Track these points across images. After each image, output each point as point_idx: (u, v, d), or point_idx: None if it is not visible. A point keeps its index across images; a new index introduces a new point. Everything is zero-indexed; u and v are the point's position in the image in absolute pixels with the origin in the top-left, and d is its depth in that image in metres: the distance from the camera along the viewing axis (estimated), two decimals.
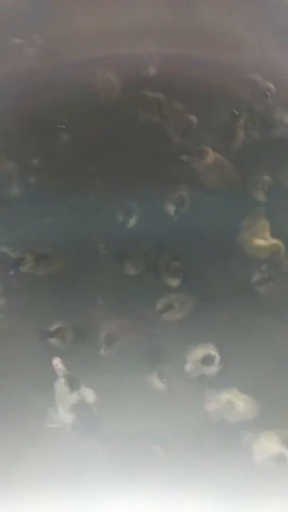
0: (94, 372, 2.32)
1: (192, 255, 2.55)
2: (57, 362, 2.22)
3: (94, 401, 2.26)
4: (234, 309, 2.56)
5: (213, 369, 2.36)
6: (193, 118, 2.51)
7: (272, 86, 2.67)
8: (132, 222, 2.46)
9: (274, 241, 2.45)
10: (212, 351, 2.35)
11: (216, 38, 2.82)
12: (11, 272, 2.42)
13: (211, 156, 2.51)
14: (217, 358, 2.34)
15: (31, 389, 2.36)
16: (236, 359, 2.43)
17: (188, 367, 2.34)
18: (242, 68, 2.76)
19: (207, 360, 2.32)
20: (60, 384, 2.25)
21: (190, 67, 2.66)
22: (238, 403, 2.36)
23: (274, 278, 2.52)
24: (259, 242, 2.48)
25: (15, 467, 2.33)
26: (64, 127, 2.51)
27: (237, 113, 2.59)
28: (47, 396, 2.35)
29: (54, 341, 2.34)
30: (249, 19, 2.98)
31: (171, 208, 2.49)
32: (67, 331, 2.36)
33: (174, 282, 2.51)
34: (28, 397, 2.40)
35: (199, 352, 2.35)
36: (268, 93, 2.64)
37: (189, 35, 2.73)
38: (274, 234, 2.55)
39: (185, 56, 2.67)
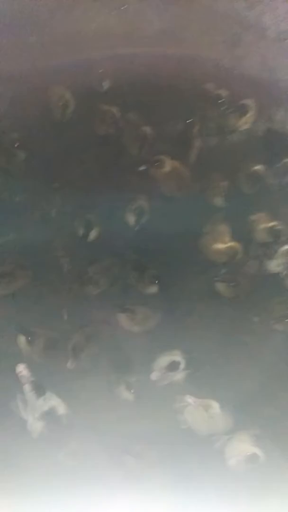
0: (62, 383, 2.32)
1: (155, 264, 2.58)
2: (21, 369, 2.23)
3: (63, 412, 2.27)
4: (200, 314, 2.60)
5: (179, 376, 2.38)
6: (148, 129, 2.55)
7: (224, 93, 2.73)
8: (92, 235, 2.48)
9: (231, 243, 2.49)
10: (177, 357, 2.36)
11: (168, 49, 2.89)
12: None
13: (169, 165, 2.55)
14: (182, 364, 2.35)
15: None
16: (203, 364, 2.47)
17: (154, 375, 2.35)
18: (196, 77, 2.84)
19: (172, 366, 2.34)
20: (26, 391, 2.26)
21: (143, 78, 2.71)
22: (208, 407, 2.41)
23: (236, 280, 2.56)
24: (219, 246, 2.52)
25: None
26: (17, 144, 2.53)
27: (191, 121, 2.63)
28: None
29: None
30: (201, 28, 3.08)
31: (131, 219, 2.51)
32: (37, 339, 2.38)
33: (151, 289, 2.55)
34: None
35: (165, 359, 2.37)
36: (221, 100, 2.69)
37: (141, 48, 2.80)
38: (234, 238, 2.60)
39: (138, 68, 2.72)
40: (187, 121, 2.60)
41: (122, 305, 2.43)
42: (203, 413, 2.38)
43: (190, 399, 2.35)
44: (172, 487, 2.30)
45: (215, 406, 2.36)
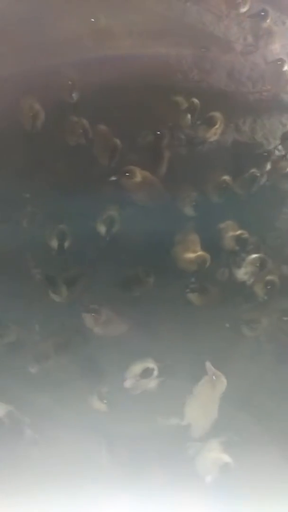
0: (28, 392, 2.33)
1: (128, 273, 2.60)
2: None
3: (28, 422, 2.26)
4: (172, 322, 2.64)
5: (152, 383, 2.40)
6: (117, 141, 2.58)
7: (193, 106, 2.79)
8: (65, 245, 2.48)
9: (201, 252, 2.54)
10: (151, 365, 2.38)
11: (139, 62, 2.94)
12: None
13: (139, 175, 2.58)
14: (156, 371, 2.37)
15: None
16: (176, 371, 2.50)
17: (128, 383, 2.36)
18: (165, 89, 2.89)
19: (145, 373, 2.36)
20: None
21: (113, 91, 2.75)
22: (182, 412, 2.44)
23: (207, 289, 2.60)
24: (190, 255, 2.56)
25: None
26: None
27: (160, 133, 2.68)
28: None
29: None
30: (171, 41, 3.15)
31: (102, 228, 2.53)
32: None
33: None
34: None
35: (138, 367, 2.38)
36: (190, 112, 2.75)
37: (111, 60, 2.84)
38: (204, 247, 2.65)
39: (107, 80, 2.76)
40: (157, 133, 2.65)
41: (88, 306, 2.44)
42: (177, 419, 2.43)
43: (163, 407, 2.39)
44: (144, 495, 2.32)
45: (189, 410, 2.41)
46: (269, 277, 2.60)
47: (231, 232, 2.64)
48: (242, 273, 2.63)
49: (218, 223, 2.71)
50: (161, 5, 3.11)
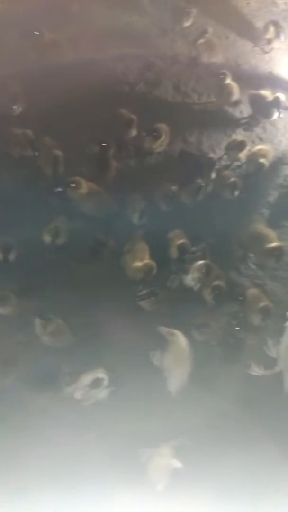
0: None
1: (76, 283, 2.62)
2: None
3: None
4: (123, 330, 2.66)
5: (103, 393, 2.40)
6: (59, 152, 2.60)
7: (139, 117, 2.86)
8: (10, 257, 2.46)
9: (147, 261, 2.58)
10: (101, 375, 2.39)
11: (84, 74, 2.98)
12: None
13: (85, 186, 2.61)
14: (106, 381, 2.38)
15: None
16: (127, 380, 2.51)
17: (78, 394, 2.35)
18: (111, 102, 2.94)
19: (95, 384, 2.36)
20: None
21: (58, 103, 2.77)
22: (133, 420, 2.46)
23: (157, 295, 2.64)
24: (137, 264, 2.60)
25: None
26: None
27: (106, 144, 2.72)
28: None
29: None
30: (117, 54, 3.21)
31: (47, 239, 2.53)
32: None
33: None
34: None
35: (88, 377, 2.38)
36: (132, 124, 2.81)
37: (56, 73, 2.86)
38: (153, 256, 2.69)
39: (53, 93, 2.78)
40: (102, 144, 2.68)
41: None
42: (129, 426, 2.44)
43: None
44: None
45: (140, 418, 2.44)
46: (216, 283, 2.68)
47: (177, 240, 2.71)
48: (190, 279, 2.69)
49: (166, 231, 2.77)
50: (107, 18, 3.17)
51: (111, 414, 2.45)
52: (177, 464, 2.33)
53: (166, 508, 2.31)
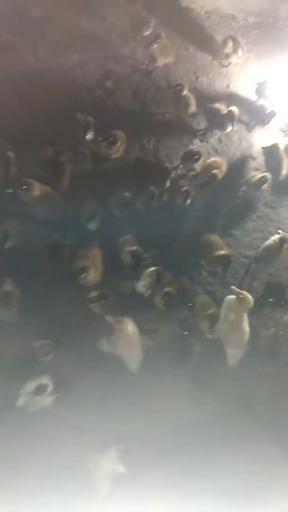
0: None
1: (27, 288, 2.58)
2: None
3: None
4: (71, 335, 2.65)
5: (47, 400, 2.38)
6: (11, 154, 2.56)
7: (96, 122, 2.87)
8: None
9: (98, 266, 2.61)
10: (45, 381, 2.37)
11: (43, 77, 2.97)
12: None
13: (38, 189, 2.58)
14: (50, 387, 2.36)
15: None
16: (72, 386, 2.51)
17: (21, 401, 2.32)
18: (69, 106, 2.93)
19: (39, 390, 2.34)
20: None
21: (12, 105, 2.74)
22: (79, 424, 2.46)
23: (106, 297, 2.64)
24: (91, 271, 2.60)
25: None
26: None
27: (59, 147, 2.71)
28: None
29: None
30: (76, 59, 3.21)
31: None
32: None
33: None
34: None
35: (32, 384, 2.35)
36: (89, 129, 2.81)
37: (15, 76, 2.83)
38: (105, 261, 2.71)
39: (7, 94, 2.75)
40: (55, 147, 2.67)
41: None
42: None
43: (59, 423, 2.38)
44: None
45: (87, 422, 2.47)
46: (166, 289, 2.72)
47: (130, 246, 2.73)
48: (141, 286, 2.72)
49: (119, 237, 2.80)
50: (68, 23, 3.17)
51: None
52: (121, 468, 2.37)
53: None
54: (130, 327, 2.54)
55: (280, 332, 2.86)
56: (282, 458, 2.68)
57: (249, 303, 2.51)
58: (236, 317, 2.53)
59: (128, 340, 2.53)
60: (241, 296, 2.50)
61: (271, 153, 3.21)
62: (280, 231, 3.01)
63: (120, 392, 2.59)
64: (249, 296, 2.52)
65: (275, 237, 2.94)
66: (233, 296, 2.52)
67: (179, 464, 2.50)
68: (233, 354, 2.65)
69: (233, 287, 2.55)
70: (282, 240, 2.89)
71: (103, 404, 2.56)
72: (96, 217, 2.74)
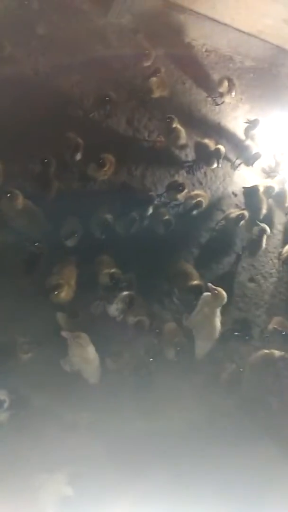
0: None
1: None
2: None
3: None
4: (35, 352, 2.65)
5: (2, 416, 2.36)
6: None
7: (86, 144, 2.94)
8: None
9: (71, 283, 2.64)
10: (2, 397, 2.35)
11: (38, 92, 3.02)
12: None
13: (21, 202, 2.60)
14: (7, 403, 2.34)
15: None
16: (29, 403, 2.49)
17: None
18: (62, 125, 2.99)
19: None
20: None
21: (7, 116, 2.77)
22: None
23: (76, 316, 2.69)
24: (64, 288, 2.62)
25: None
26: None
27: (48, 162, 2.74)
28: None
29: None
30: (73, 80, 3.28)
31: None
32: None
33: None
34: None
35: None
36: (79, 148, 2.88)
37: (9, 86, 2.86)
38: (80, 280, 2.74)
39: (4, 106, 2.78)
40: (45, 161, 2.71)
41: None
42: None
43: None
44: None
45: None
46: (137, 314, 2.78)
47: (106, 268, 2.78)
48: (113, 309, 2.76)
49: (96, 257, 2.84)
50: (71, 43, 3.25)
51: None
52: (68, 491, 2.37)
53: None
54: (86, 342, 2.56)
55: (240, 369, 2.95)
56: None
57: (223, 299, 2.74)
58: (209, 312, 2.73)
59: (85, 355, 2.56)
60: (216, 292, 2.70)
61: (252, 194, 3.35)
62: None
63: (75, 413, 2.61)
64: (223, 293, 2.73)
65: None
66: (209, 293, 2.72)
67: None
68: (202, 345, 2.86)
69: (209, 283, 2.76)
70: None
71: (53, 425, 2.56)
72: (76, 235, 2.79)
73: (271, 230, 3.62)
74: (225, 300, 2.74)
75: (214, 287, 2.71)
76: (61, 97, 3.10)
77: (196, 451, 2.74)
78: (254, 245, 3.28)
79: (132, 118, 3.36)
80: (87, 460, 2.51)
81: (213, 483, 2.52)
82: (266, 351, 2.97)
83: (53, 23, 3.24)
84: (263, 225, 3.20)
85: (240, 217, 3.21)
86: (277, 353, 2.93)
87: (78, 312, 2.74)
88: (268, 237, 3.55)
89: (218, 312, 2.76)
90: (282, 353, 2.93)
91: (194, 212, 3.16)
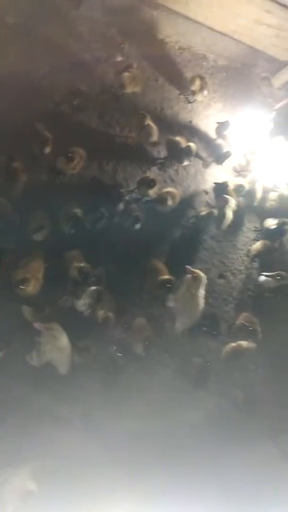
0: None
1: None
2: None
3: None
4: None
5: None
6: None
7: (55, 137, 2.90)
8: None
9: (38, 277, 2.63)
10: None
11: (7, 83, 2.96)
12: None
13: None
14: None
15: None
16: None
17: None
18: (31, 116, 2.94)
19: None
20: None
21: None
22: None
23: (42, 310, 2.68)
24: (31, 282, 2.60)
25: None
26: None
27: (11, 155, 2.70)
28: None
29: None
30: (47, 72, 3.23)
31: None
32: None
33: None
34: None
35: None
36: (48, 142, 2.85)
37: None
38: (47, 274, 2.72)
39: None
40: (9, 154, 2.67)
41: None
42: None
43: None
44: None
45: None
46: (106, 309, 2.77)
47: (77, 262, 2.77)
48: (81, 304, 2.75)
49: (65, 252, 2.82)
50: (42, 34, 3.19)
51: None
52: (32, 486, 2.35)
53: None
54: (59, 332, 2.60)
55: (207, 364, 3.00)
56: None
57: (201, 280, 2.90)
58: (194, 292, 2.89)
59: (57, 345, 2.59)
60: (195, 274, 2.88)
61: (221, 190, 3.38)
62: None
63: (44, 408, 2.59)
64: (202, 274, 2.92)
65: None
66: (189, 275, 2.89)
67: None
68: (183, 322, 3.03)
69: (187, 266, 2.93)
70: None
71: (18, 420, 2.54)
72: (44, 229, 2.76)
73: (241, 228, 3.73)
74: (205, 280, 2.91)
75: (192, 269, 2.88)
76: (30, 88, 3.05)
77: (164, 444, 2.79)
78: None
79: (104, 113, 3.33)
80: (53, 454, 2.53)
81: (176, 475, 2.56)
82: (234, 344, 3.06)
83: (23, 13, 3.17)
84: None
85: (211, 214, 3.27)
86: (244, 343, 3.04)
87: (45, 306, 2.72)
88: (237, 234, 3.67)
89: (202, 292, 2.92)
90: (250, 344, 3.03)
91: (160, 208, 3.15)
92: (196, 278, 2.87)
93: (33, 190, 2.88)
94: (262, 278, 3.34)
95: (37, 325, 2.54)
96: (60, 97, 3.15)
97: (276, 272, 3.32)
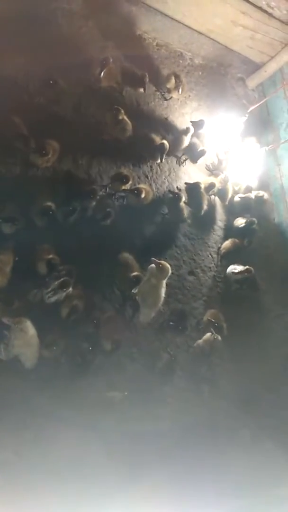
0: None
1: None
2: None
3: None
4: None
5: None
6: None
7: (29, 130, 2.87)
8: None
9: (6, 271, 2.61)
10: None
11: None
12: None
13: None
14: None
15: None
16: None
17: None
18: (6, 108, 2.88)
19: None
20: None
21: None
22: None
23: (11, 303, 2.65)
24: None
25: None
26: None
27: None
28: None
29: None
30: (22, 63, 3.16)
31: None
32: None
33: None
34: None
35: None
36: (23, 137, 2.82)
37: None
38: (17, 267, 2.70)
39: None
40: None
41: None
42: None
43: None
44: None
45: None
46: (74, 302, 2.79)
47: (45, 255, 2.76)
48: (48, 295, 2.74)
49: (36, 245, 2.81)
50: (17, 23, 3.12)
51: None
52: None
53: None
54: (28, 326, 2.59)
55: (172, 358, 3.08)
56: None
57: (167, 272, 2.93)
58: (156, 282, 2.91)
59: (26, 340, 2.58)
60: (160, 265, 2.89)
61: (193, 190, 3.45)
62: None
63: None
64: (167, 265, 2.94)
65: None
66: (154, 265, 2.91)
67: None
68: (146, 313, 3.05)
69: (153, 258, 2.94)
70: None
71: None
72: (16, 222, 2.73)
73: (212, 226, 3.82)
74: (169, 272, 2.93)
75: (158, 260, 2.91)
76: (5, 80, 2.98)
77: (135, 440, 2.83)
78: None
79: (79, 106, 3.31)
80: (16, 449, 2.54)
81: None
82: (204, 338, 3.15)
83: None
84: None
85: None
86: (209, 335, 3.17)
87: (14, 300, 2.70)
88: (209, 232, 3.76)
89: (164, 283, 2.95)
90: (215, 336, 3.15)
91: (134, 200, 3.19)
92: (161, 269, 2.88)
93: (4, 182, 2.85)
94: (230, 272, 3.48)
95: (5, 319, 2.53)
96: (34, 89, 3.10)
97: (245, 268, 3.45)
